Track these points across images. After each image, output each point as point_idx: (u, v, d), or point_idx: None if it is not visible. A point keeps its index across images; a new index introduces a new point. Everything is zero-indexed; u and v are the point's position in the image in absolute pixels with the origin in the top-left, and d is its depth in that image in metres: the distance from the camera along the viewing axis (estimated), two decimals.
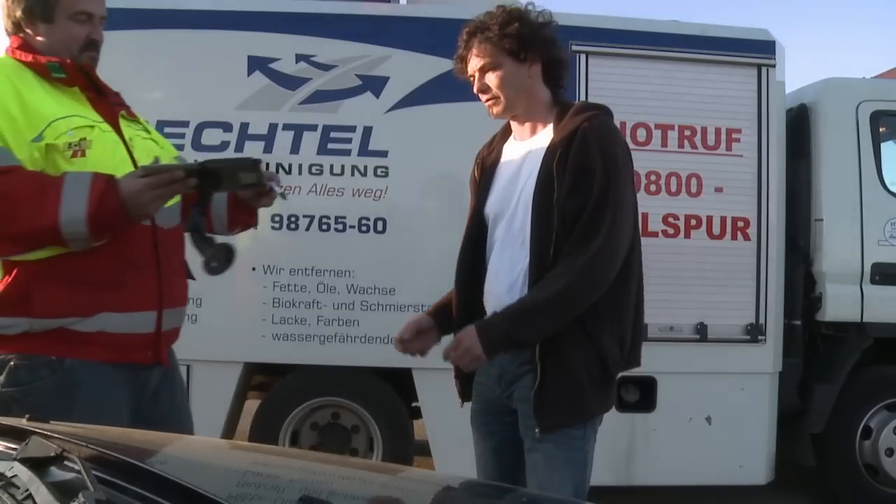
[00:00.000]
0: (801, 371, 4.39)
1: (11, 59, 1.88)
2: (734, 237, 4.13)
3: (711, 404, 4.15)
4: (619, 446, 4.06)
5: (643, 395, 4.10)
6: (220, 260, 1.86)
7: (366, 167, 3.92)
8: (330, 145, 3.90)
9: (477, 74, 2.09)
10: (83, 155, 1.81)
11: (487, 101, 2.10)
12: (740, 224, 4.13)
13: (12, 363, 1.82)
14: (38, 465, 1.02)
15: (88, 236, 1.76)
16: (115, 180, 1.76)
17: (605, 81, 3.91)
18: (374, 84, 3.94)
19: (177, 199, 1.98)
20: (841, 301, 4.34)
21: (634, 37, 4.05)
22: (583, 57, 3.85)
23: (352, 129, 3.92)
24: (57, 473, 1.02)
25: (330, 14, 4.02)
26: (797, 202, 4.41)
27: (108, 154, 1.85)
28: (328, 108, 3.92)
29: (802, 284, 4.39)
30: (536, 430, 1.96)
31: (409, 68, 3.94)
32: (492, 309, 2.06)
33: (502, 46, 2.03)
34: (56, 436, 1.18)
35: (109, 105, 1.97)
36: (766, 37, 4.22)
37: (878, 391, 4.46)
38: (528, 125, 2.12)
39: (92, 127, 1.85)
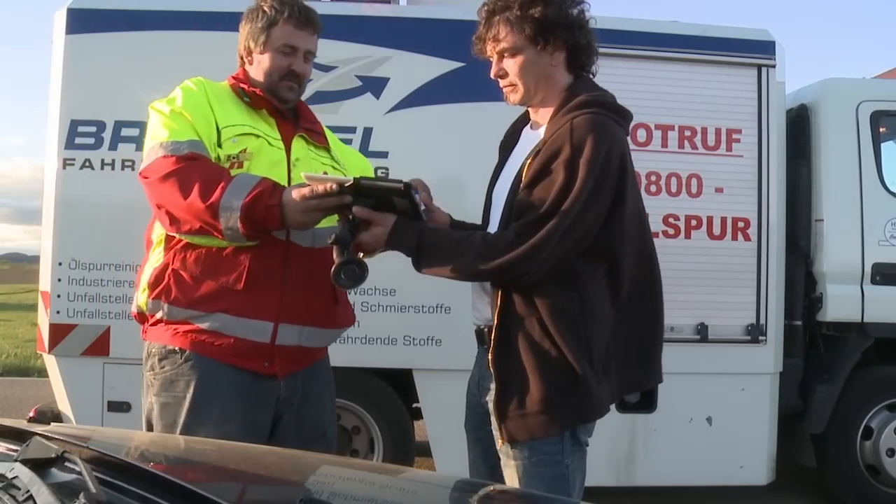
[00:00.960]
0: (802, 371, 4.39)
1: (224, 83, 2.20)
2: (734, 237, 4.13)
3: (712, 405, 4.15)
4: (620, 447, 4.06)
5: (644, 396, 4.09)
6: (350, 276, 1.87)
7: None
8: None
9: (495, 58, 1.95)
10: (240, 167, 2.03)
11: (505, 87, 1.98)
12: (741, 224, 4.13)
13: (152, 350, 2.09)
14: (40, 467, 1.02)
15: (240, 228, 1.92)
16: (281, 186, 1.97)
17: (604, 82, 3.87)
18: (374, 85, 3.94)
19: (329, 222, 2.04)
20: (841, 301, 4.33)
21: (634, 37, 4.05)
22: None
23: (352, 129, 3.92)
24: (58, 475, 1.02)
25: (330, 15, 4.01)
26: (797, 202, 4.41)
27: (264, 168, 2.04)
28: (328, 109, 3.92)
29: (803, 285, 4.38)
30: (498, 442, 1.87)
31: (410, 69, 3.94)
32: (476, 291, 2.02)
33: (523, 30, 1.88)
34: (57, 437, 1.18)
35: (293, 127, 2.19)
36: (767, 37, 4.22)
37: (878, 391, 4.46)
38: (541, 113, 1.98)
39: (257, 136, 2.08)
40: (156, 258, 2.11)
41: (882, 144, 4.44)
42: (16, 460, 1.04)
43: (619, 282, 1.91)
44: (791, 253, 4.34)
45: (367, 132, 3.92)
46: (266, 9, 2.15)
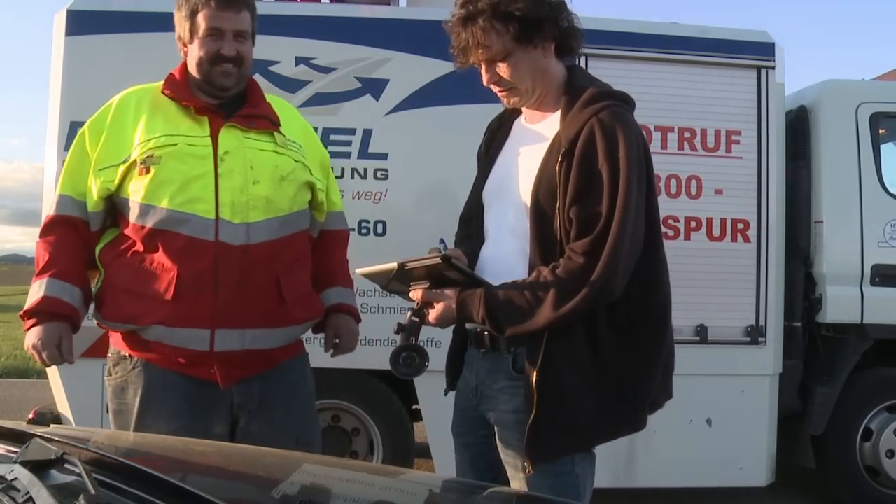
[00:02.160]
0: (802, 373, 4.39)
1: (155, 85, 2.18)
2: (734, 239, 4.13)
3: (712, 406, 4.14)
4: (620, 448, 4.05)
5: None
6: (409, 364, 1.81)
7: (366, 170, 3.92)
8: (330, 147, 3.87)
9: (483, 66, 1.82)
10: (148, 172, 2.02)
11: (502, 92, 1.87)
12: (740, 226, 4.13)
13: (110, 355, 2.12)
14: (39, 468, 1.02)
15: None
16: (53, 318, 2.03)
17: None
18: (373, 86, 3.94)
19: (267, 213, 2.06)
20: (841, 303, 4.33)
21: (634, 38, 4.05)
22: (582, 59, 3.85)
23: (351, 131, 3.92)
24: (57, 476, 1.02)
25: (329, 17, 4.02)
26: (797, 204, 4.41)
27: (176, 171, 2.02)
28: (328, 111, 3.92)
29: (802, 286, 4.38)
30: (524, 464, 1.76)
31: (409, 71, 3.94)
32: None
33: (508, 31, 1.75)
34: (56, 439, 1.18)
35: (222, 118, 2.11)
36: (766, 39, 4.22)
37: (878, 393, 4.46)
38: (538, 107, 1.90)
39: (175, 145, 2.04)
40: (99, 273, 2.14)
41: (881, 146, 4.44)
42: (15, 462, 1.04)
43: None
44: (791, 254, 4.34)
45: (367, 134, 3.92)
46: None
